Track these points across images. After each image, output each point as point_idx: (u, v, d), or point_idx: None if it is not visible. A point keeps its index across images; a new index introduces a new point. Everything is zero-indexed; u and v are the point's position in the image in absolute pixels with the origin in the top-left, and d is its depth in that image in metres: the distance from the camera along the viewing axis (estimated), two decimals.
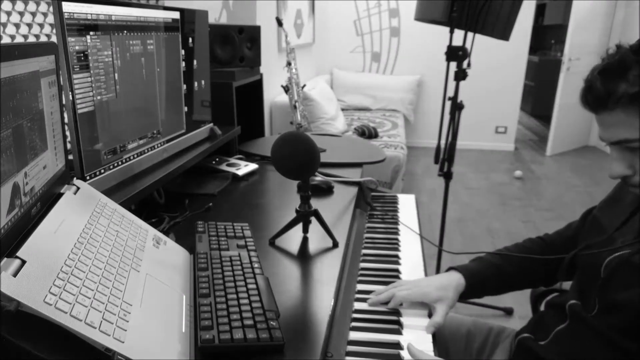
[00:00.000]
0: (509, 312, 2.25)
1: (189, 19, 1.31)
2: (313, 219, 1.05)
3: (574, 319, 0.86)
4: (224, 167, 1.52)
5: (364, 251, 1.19)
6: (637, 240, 0.81)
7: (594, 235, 0.91)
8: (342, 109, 4.29)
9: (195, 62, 1.38)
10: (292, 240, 1.05)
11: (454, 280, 0.99)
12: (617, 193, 0.94)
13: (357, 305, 0.95)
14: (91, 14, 0.92)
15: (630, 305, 0.77)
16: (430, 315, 0.94)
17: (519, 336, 0.94)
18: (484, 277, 1.02)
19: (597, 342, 0.79)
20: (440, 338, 0.89)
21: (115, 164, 1.03)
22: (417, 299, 0.95)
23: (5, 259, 0.53)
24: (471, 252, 1.10)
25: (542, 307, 1.03)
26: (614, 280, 0.81)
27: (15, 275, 0.52)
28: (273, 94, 3.27)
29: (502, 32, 1.95)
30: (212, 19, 1.93)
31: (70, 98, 0.88)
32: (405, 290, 0.96)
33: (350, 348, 0.82)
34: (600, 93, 0.75)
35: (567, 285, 0.99)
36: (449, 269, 1.04)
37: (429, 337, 0.87)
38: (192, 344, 0.66)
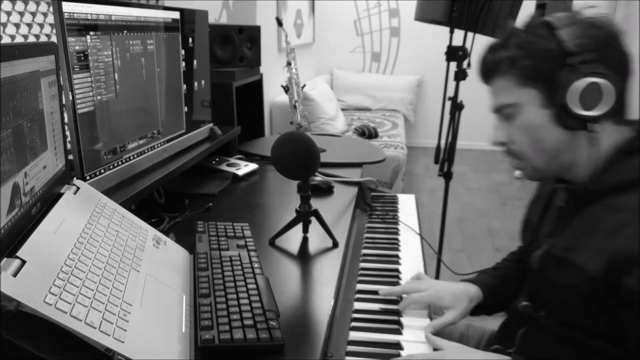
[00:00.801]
0: None
1: (189, 19, 1.31)
2: (313, 219, 1.05)
3: (529, 321, 0.87)
4: (224, 167, 1.52)
5: (364, 251, 1.19)
6: (553, 231, 0.83)
7: (528, 236, 0.94)
8: (342, 109, 4.29)
9: (195, 62, 1.38)
10: (292, 240, 1.05)
11: (470, 292, 0.97)
12: (539, 189, 0.97)
13: (357, 305, 0.95)
14: (91, 14, 0.92)
15: (562, 297, 0.79)
16: (430, 317, 0.94)
17: (491, 348, 0.94)
18: (496, 287, 1.01)
19: (554, 341, 0.79)
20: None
21: (115, 164, 1.03)
22: (431, 301, 0.95)
23: (5, 259, 0.53)
24: (472, 273, 1.08)
25: None
26: (545, 276, 0.83)
27: (15, 275, 0.52)
28: (273, 94, 3.27)
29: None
30: (212, 19, 1.93)
31: (70, 98, 0.88)
32: (419, 293, 0.95)
33: (350, 348, 0.82)
34: (486, 64, 0.82)
35: None
36: (462, 281, 1.03)
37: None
38: (192, 344, 0.66)
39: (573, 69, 0.72)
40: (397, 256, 1.17)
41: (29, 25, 1.12)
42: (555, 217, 0.86)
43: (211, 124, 1.52)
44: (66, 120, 0.87)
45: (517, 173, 4.25)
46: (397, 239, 1.26)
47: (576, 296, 0.75)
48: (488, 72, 0.83)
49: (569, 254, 0.77)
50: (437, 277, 2.20)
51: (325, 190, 1.36)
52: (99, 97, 0.96)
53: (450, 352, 0.79)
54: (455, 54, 1.98)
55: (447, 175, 2.16)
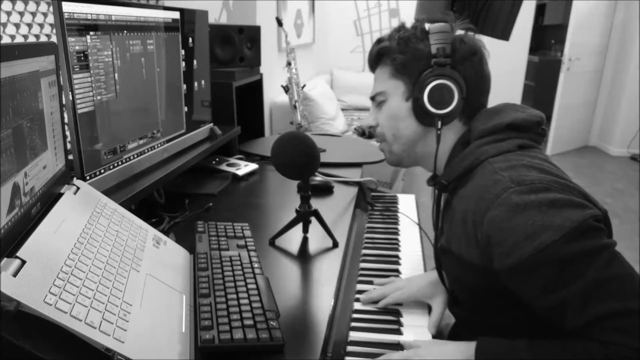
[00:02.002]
0: None
1: (189, 19, 1.31)
2: (313, 219, 1.05)
3: (455, 315, 0.95)
4: (224, 167, 1.52)
5: (364, 251, 1.19)
6: (439, 227, 0.91)
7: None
8: (342, 109, 4.28)
9: (195, 62, 1.38)
10: (292, 240, 1.05)
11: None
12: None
13: (357, 305, 0.95)
14: (91, 14, 0.92)
15: (459, 286, 0.87)
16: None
17: None
18: None
19: (475, 331, 0.80)
20: (438, 336, 0.90)
21: (115, 164, 1.03)
22: (412, 296, 0.96)
23: (5, 259, 0.53)
24: None
25: None
26: (444, 268, 0.91)
27: (15, 275, 0.52)
28: (273, 94, 3.27)
29: (502, 32, 1.95)
30: (212, 19, 1.93)
31: (70, 98, 0.88)
32: (399, 290, 0.96)
33: (350, 348, 0.82)
34: (372, 52, 0.92)
35: None
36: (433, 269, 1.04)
37: (429, 337, 0.88)
38: (192, 344, 0.66)
39: (432, 71, 0.83)
40: (397, 256, 1.17)
41: (29, 25, 1.12)
42: (436, 213, 0.94)
43: (211, 124, 1.51)
44: (66, 120, 0.87)
45: None
46: (397, 239, 1.26)
47: (468, 283, 0.81)
48: (373, 61, 0.93)
49: (449, 244, 0.83)
50: None
51: (325, 190, 1.36)
52: (99, 97, 0.96)
53: (424, 348, 0.80)
54: None
55: None
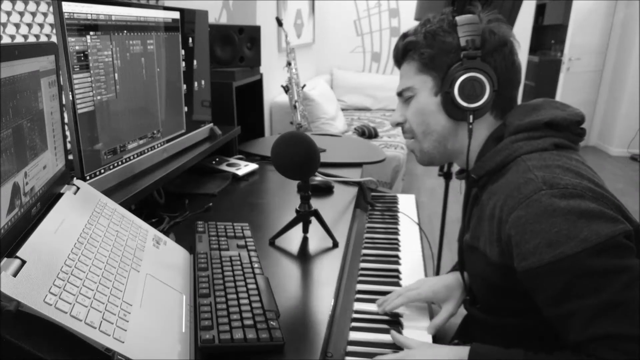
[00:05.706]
0: None
1: (189, 19, 1.31)
2: (313, 219, 1.05)
3: (469, 313, 0.94)
4: (224, 167, 1.52)
5: (364, 251, 1.19)
6: (467, 222, 0.89)
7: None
8: (342, 109, 4.28)
9: (195, 62, 1.38)
10: (292, 240, 1.05)
11: (460, 279, 0.97)
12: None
13: (357, 306, 0.95)
14: (91, 14, 0.92)
15: (478, 284, 0.85)
16: (431, 315, 0.94)
17: (450, 343, 0.96)
18: None
19: (488, 331, 0.80)
20: (439, 339, 0.89)
21: (115, 164, 1.03)
22: (427, 297, 0.95)
23: (5, 259, 0.53)
24: None
25: None
26: (466, 265, 0.88)
27: (15, 275, 0.52)
28: (273, 94, 3.27)
29: None
30: (212, 19, 1.93)
31: (70, 98, 0.88)
32: (411, 290, 0.95)
33: (350, 348, 0.82)
34: (398, 48, 0.89)
35: None
36: (449, 272, 1.03)
37: (429, 338, 0.88)
38: (192, 344, 0.66)
39: (461, 64, 0.81)
40: (397, 256, 1.17)
41: (29, 25, 1.12)
42: (464, 208, 0.93)
43: (211, 124, 1.51)
44: (66, 120, 0.87)
45: None
46: (397, 239, 1.26)
47: (488, 281, 0.81)
48: (399, 56, 0.90)
49: (475, 241, 0.82)
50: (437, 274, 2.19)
51: (325, 190, 1.36)
52: (99, 97, 0.96)
53: (417, 350, 0.78)
54: None
55: (447, 175, 2.15)
